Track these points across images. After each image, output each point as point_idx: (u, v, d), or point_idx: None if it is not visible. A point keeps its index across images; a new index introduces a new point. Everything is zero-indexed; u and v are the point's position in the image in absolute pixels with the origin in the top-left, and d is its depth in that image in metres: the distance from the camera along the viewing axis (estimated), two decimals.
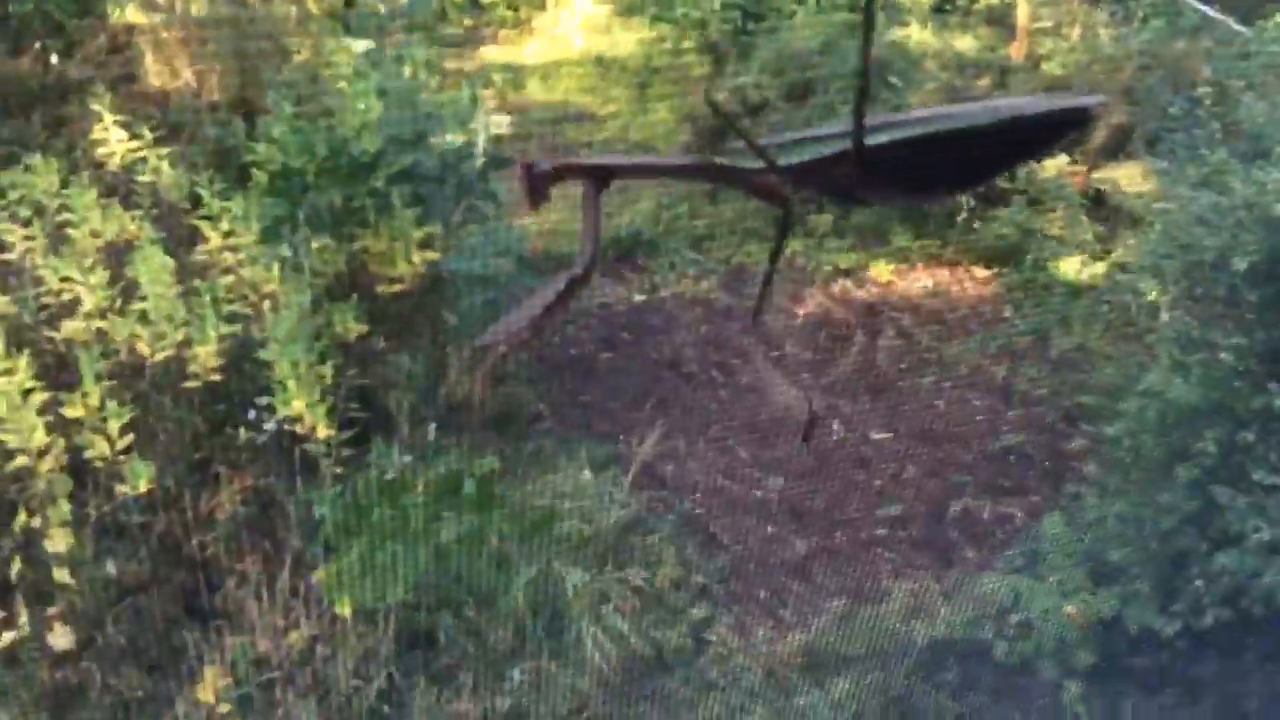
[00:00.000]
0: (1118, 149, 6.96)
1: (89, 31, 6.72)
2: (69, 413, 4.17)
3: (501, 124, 5.27)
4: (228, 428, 4.52)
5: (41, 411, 4.10)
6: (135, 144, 5.38)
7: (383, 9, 6.45)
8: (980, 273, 6.59)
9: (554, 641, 4.10)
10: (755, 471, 5.19)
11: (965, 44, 8.11)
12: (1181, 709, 4.00)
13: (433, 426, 4.63)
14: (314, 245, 4.75)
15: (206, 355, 4.45)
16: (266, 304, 4.64)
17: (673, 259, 6.49)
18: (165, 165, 5.33)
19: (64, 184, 4.98)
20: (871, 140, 1.24)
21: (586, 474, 4.80)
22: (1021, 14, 8.03)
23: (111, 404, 4.19)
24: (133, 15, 6.79)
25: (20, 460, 4.06)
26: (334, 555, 3.93)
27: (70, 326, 4.56)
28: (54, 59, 6.66)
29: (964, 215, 6.66)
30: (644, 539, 4.61)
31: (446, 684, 3.97)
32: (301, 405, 4.27)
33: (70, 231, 4.83)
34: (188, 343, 4.48)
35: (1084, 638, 4.02)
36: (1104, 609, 4.01)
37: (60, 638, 3.96)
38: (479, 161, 4.99)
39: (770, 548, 4.85)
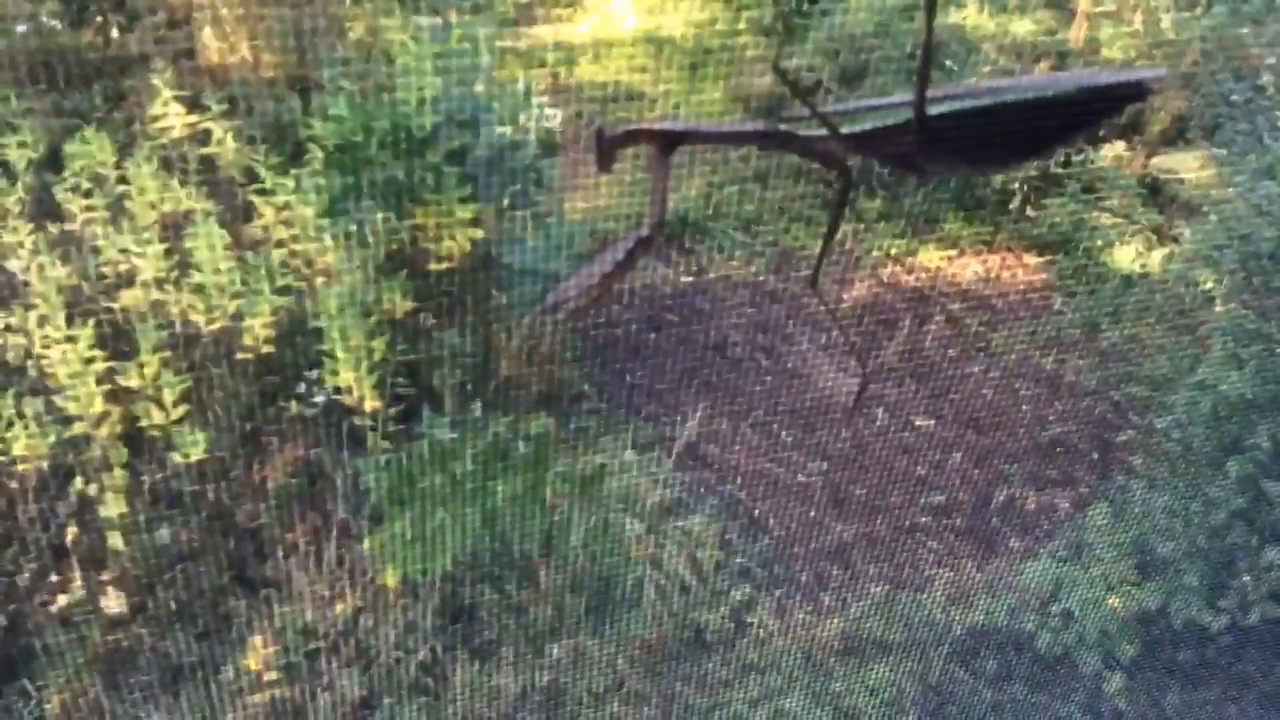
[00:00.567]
0: (1176, 136, 6.83)
1: (149, 6, 6.81)
2: (125, 382, 4.27)
3: (554, 117, 5.30)
4: (279, 399, 4.60)
5: (100, 381, 4.20)
6: (194, 118, 5.45)
7: None
8: (1031, 260, 6.51)
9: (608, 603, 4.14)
10: (799, 455, 5.19)
11: (1023, 27, 7.98)
12: (1226, 704, 3.96)
13: (479, 403, 4.67)
14: (374, 219, 4.79)
15: (260, 327, 4.53)
16: (320, 279, 4.71)
17: (721, 241, 6.48)
18: (229, 139, 5.40)
19: (122, 156, 5.07)
20: (933, 110, 1.24)
21: (630, 454, 4.83)
22: None
23: (167, 374, 4.28)
24: None
25: (79, 427, 4.16)
26: (381, 524, 3.99)
27: (128, 296, 4.65)
28: (115, 32, 6.76)
29: (1017, 202, 6.58)
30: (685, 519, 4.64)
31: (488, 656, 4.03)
32: (351, 378, 4.33)
33: (128, 204, 4.92)
34: (241, 315, 4.56)
35: (1127, 630, 3.99)
36: (1149, 602, 3.98)
37: (113, 601, 4.07)
38: (531, 149, 5.01)
39: (812, 532, 4.85)
